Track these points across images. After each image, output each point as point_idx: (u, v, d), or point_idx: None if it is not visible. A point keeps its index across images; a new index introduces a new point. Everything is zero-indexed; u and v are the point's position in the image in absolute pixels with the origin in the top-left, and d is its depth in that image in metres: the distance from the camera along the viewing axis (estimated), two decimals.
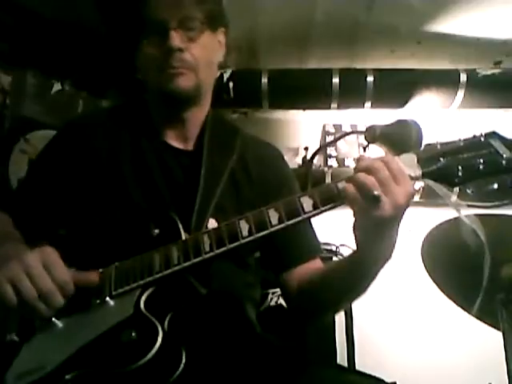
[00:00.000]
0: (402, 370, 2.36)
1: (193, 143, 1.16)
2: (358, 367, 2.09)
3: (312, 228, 1.18)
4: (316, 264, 1.13)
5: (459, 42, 2.54)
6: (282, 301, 1.98)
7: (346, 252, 2.35)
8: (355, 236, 0.86)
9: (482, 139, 0.83)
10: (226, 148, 1.14)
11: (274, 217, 0.85)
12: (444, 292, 1.63)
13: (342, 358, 2.13)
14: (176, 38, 1.02)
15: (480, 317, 1.58)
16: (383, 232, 0.83)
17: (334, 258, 2.31)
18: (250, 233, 0.85)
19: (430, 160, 0.83)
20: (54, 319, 0.91)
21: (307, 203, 0.84)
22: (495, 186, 0.83)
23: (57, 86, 2.43)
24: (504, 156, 0.81)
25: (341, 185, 0.83)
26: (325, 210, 0.84)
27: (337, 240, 2.33)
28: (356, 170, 0.81)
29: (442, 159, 0.83)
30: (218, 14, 1.12)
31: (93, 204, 1.07)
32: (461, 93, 2.60)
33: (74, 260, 0.94)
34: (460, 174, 0.82)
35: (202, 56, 1.06)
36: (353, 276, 0.95)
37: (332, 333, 2.08)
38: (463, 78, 2.58)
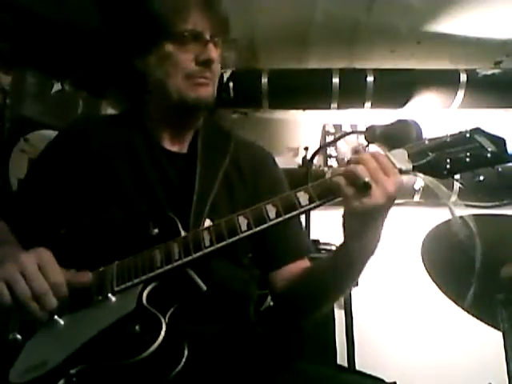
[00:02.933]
0: (401, 369, 2.36)
1: (187, 146, 1.18)
2: (358, 367, 2.10)
3: (302, 229, 1.22)
4: (304, 264, 1.15)
5: (459, 42, 2.54)
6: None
7: None
8: (344, 227, 0.90)
9: (468, 135, 0.90)
10: (219, 151, 1.17)
11: (271, 211, 0.88)
12: (444, 292, 1.64)
13: (342, 358, 2.13)
14: (213, 50, 1.07)
15: (480, 317, 1.58)
16: (372, 221, 0.87)
17: None
18: (249, 227, 0.88)
19: (419, 154, 0.89)
20: (55, 317, 0.91)
21: (303, 197, 0.88)
22: (481, 177, 0.88)
23: (57, 86, 2.43)
24: (489, 149, 0.88)
25: (334, 179, 0.87)
26: (320, 204, 0.88)
27: (337, 240, 2.33)
28: (347, 163, 0.87)
29: (430, 153, 0.88)
30: (227, 34, 1.17)
31: (91, 206, 1.08)
32: (461, 93, 2.60)
33: (73, 261, 0.95)
34: (448, 166, 0.87)
35: (218, 70, 1.13)
36: (339, 270, 0.98)
37: (332, 333, 2.09)
38: (463, 78, 2.59)
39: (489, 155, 0.87)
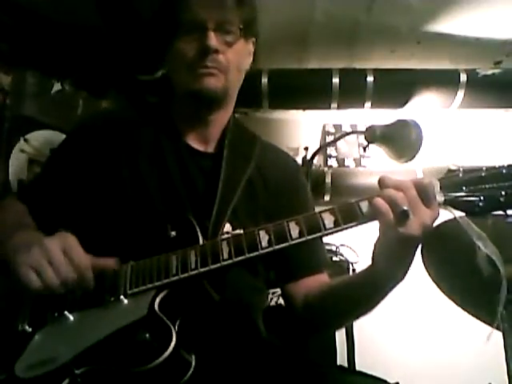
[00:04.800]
0: (401, 369, 2.37)
1: (213, 146, 1.16)
2: (358, 367, 2.10)
3: (322, 244, 1.19)
4: (323, 278, 1.13)
5: (459, 42, 2.54)
6: (282, 301, 1.98)
7: (346, 252, 2.36)
8: (375, 251, 0.87)
9: (505, 171, 0.84)
10: (245, 154, 1.14)
11: (294, 230, 0.85)
12: (444, 292, 1.64)
13: (342, 358, 2.13)
14: (213, 39, 1.03)
15: (480, 317, 1.58)
16: (403, 251, 0.84)
17: (334, 258, 2.31)
18: (270, 244, 0.85)
19: (452, 188, 0.84)
20: (66, 312, 0.91)
21: (329, 219, 0.84)
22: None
23: (57, 86, 2.42)
24: None
25: (363, 203, 0.84)
26: (345, 228, 0.84)
27: (337, 240, 2.33)
28: (383, 186, 0.82)
29: (464, 188, 0.84)
30: (253, 24, 1.14)
31: (110, 203, 1.06)
32: (461, 93, 2.60)
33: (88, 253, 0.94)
34: (480, 204, 0.83)
35: (234, 61, 1.08)
36: (363, 292, 0.96)
37: (332, 333, 2.09)
38: (463, 78, 2.59)
39: None
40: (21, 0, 2.12)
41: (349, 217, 0.83)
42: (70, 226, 1.08)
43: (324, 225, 0.84)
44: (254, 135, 1.24)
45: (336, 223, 0.84)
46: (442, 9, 2.29)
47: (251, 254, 0.86)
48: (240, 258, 0.86)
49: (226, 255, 0.87)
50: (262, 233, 0.86)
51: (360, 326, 2.26)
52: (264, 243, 0.85)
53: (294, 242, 0.84)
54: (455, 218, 0.88)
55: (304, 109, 2.90)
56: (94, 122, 1.19)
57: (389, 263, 0.86)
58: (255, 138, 1.22)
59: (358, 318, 1.05)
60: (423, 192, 0.80)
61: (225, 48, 1.06)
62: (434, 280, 1.65)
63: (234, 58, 1.08)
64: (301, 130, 3.08)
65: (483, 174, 0.84)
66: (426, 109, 2.71)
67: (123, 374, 0.82)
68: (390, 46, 2.62)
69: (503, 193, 0.82)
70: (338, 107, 2.71)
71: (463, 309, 1.61)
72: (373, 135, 2.01)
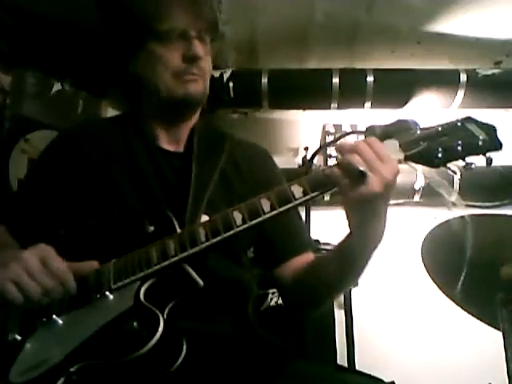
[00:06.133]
0: (402, 369, 2.36)
1: (183, 145, 1.20)
2: (358, 367, 2.10)
3: (303, 225, 1.24)
4: (309, 258, 1.17)
5: (459, 42, 2.54)
6: (281, 301, 1.99)
7: None
8: (348, 218, 0.91)
9: (459, 124, 0.90)
10: (215, 149, 1.19)
11: (266, 205, 0.88)
12: (444, 292, 1.64)
13: (342, 358, 2.13)
14: (199, 47, 1.08)
15: (480, 317, 1.58)
16: (373, 210, 0.88)
17: None
18: (244, 221, 0.88)
19: (410, 144, 0.89)
20: (54, 316, 0.92)
21: (297, 190, 0.88)
22: (473, 165, 0.88)
23: (57, 86, 2.43)
24: (480, 137, 0.88)
25: (328, 171, 0.88)
26: (314, 196, 0.88)
27: (336, 240, 2.33)
28: (341, 153, 0.87)
29: (422, 143, 0.89)
30: (216, 28, 1.19)
31: (88, 207, 1.09)
32: (461, 93, 2.60)
33: (71, 261, 0.95)
34: (440, 155, 0.88)
35: (208, 65, 1.15)
36: (346, 261, 0.99)
37: (332, 333, 2.09)
38: (463, 78, 2.58)
39: (480, 143, 0.88)
40: (21, 0, 2.12)
41: (316, 185, 0.88)
42: (51, 238, 1.10)
43: (294, 195, 0.88)
44: (222, 132, 1.29)
45: (305, 192, 0.88)
46: (442, 9, 2.29)
47: (227, 234, 0.89)
48: (217, 238, 0.89)
49: (203, 238, 0.90)
50: (236, 213, 0.90)
51: (360, 325, 2.26)
52: (238, 221, 0.89)
53: (266, 215, 0.88)
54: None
55: (304, 109, 2.90)
56: (66, 134, 1.23)
57: (362, 225, 0.90)
58: (224, 135, 1.27)
59: (346, 287, 1.09)
60: (377, 150, 0.85)
61: (204, 55, 1.11)
62: (434, 280, 1.65)
63: (208, 63, 1.14)
64: (301, 130, 3.08)
65: (439, 129, 0.90)
66: (426, 109, 2.71)
67: (116, 364, 0.83)
68: (390, 46, 2.61)
69: (460, 142, 0.87)
70: (338, 107, 2.71)
71: (463, 309, 1.61)
72: (373, 135, 2.01)
